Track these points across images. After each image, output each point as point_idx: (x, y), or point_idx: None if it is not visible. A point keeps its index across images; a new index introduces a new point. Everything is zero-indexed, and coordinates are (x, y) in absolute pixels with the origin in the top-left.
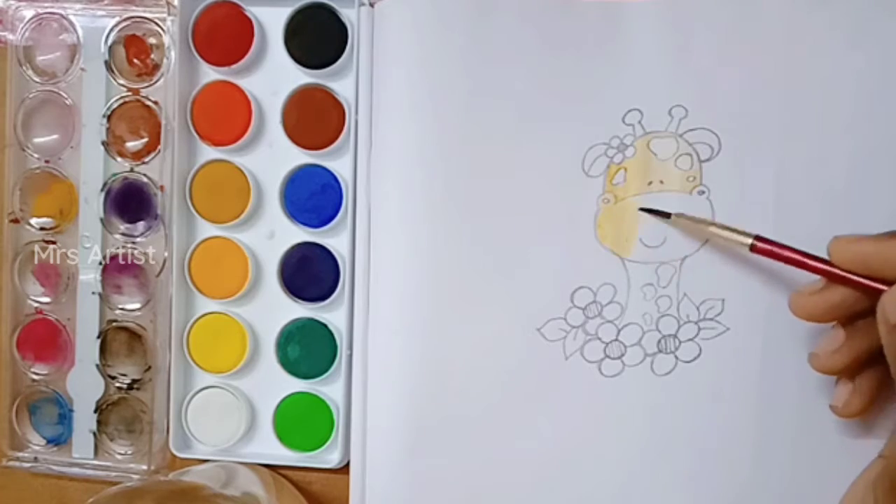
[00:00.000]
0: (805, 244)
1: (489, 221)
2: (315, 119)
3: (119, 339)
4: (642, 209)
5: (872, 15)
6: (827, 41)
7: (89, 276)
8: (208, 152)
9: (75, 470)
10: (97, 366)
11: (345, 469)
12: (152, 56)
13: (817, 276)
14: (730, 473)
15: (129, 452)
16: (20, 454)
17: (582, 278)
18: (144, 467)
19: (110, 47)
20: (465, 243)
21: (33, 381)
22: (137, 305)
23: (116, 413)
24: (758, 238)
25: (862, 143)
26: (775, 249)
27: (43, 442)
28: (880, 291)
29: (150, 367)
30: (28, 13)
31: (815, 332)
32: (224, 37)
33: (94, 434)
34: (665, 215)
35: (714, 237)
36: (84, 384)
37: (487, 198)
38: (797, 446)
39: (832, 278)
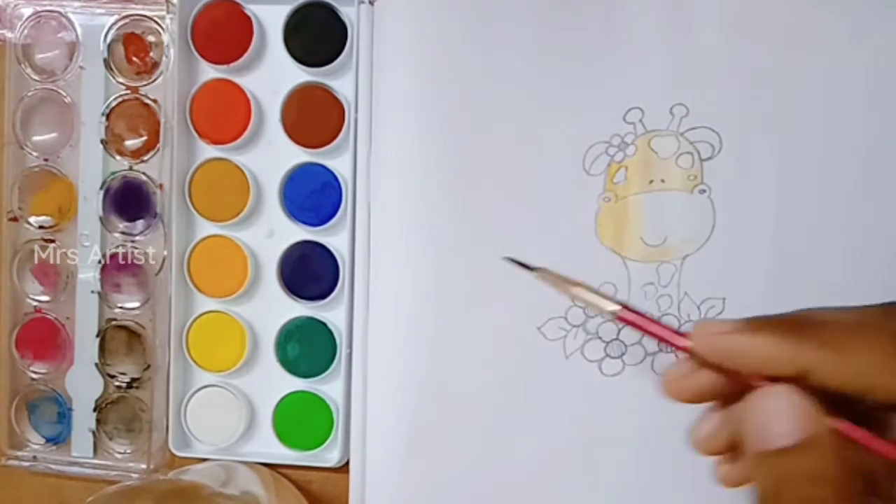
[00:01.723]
0: (806, 243)
1: (489, 220)
2: (314, 117)
3: (118, 337)
4: (506, 258)
5: (875, 11)
6: (829, 39)
7: (88, 275)
8: (207, 151)
9: (74, 469)
10: (96, 365)
11: (344, 468)
12: (151, 54)
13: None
14: None
15: (129, 451)
16: (19, 453)
17: (582, 277)
18: (144, 466)
19: (109, 45)
20: (465, 242)
21: (32, 379)
22: (137, 304)
23: (115, 412)
24: (624, 307)
25: (864, 140)
26: (639, 321)
27: (42, 441)
28: (746, 379)
29: (149, 366)
30: (27, 11)
31: None
32: (223, 35)
33: (94, 433)
34: (529, 269)
35: (577, 300)
36: (83, 383)
37: (487, 196)
38: None
39: (697, 361)
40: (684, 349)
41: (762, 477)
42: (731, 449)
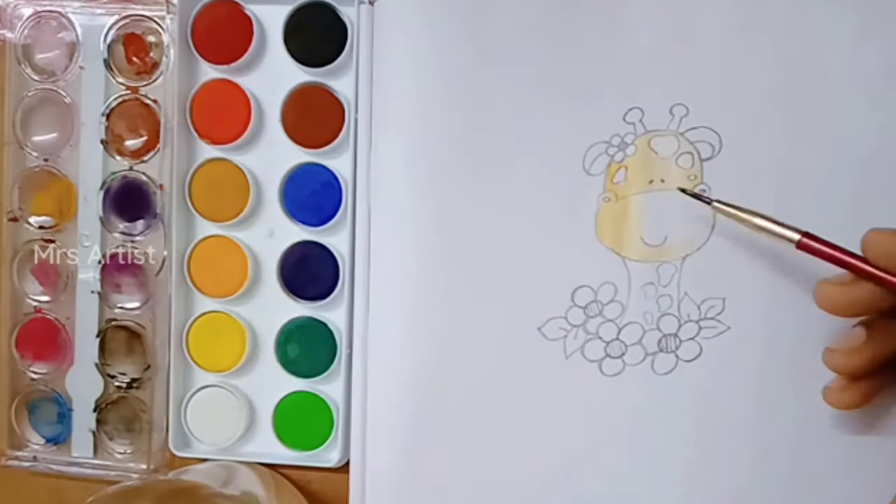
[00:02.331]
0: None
1: (489, 220)
2: (315, 117)
3: (118, 338)
4: (681, 189)
5: (880, 9)
6: (830, 38)
7: (88, 275)
8: (207, 151)
9: (74, 469)
10: (96, 365)
11: (344, 468)
12: (151, 54)
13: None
14: (730, 473)
15: (129, 451)
16: (19, 453)
17: (582, 277)
18: (144, 466)
19: (109, 45)
20: (465, 242)
21: (32, 380)
22: (137, 304)
23: (116, 412)
24: (806, 235)
25: (866, 141)
26: (823, 248)
27: (42, 441)
28: None
29: (149, 366)
30: (27, 11)
31: (816, 331)
32: (223, 35)
33: (94, 433)
34: (706, 201)
35: (759, 230)
36: (83, 383)
37: (488, 196)
38: (797, 446)
39: (863, 275)
40: (857, 268)
41: None
42: (867, 369)
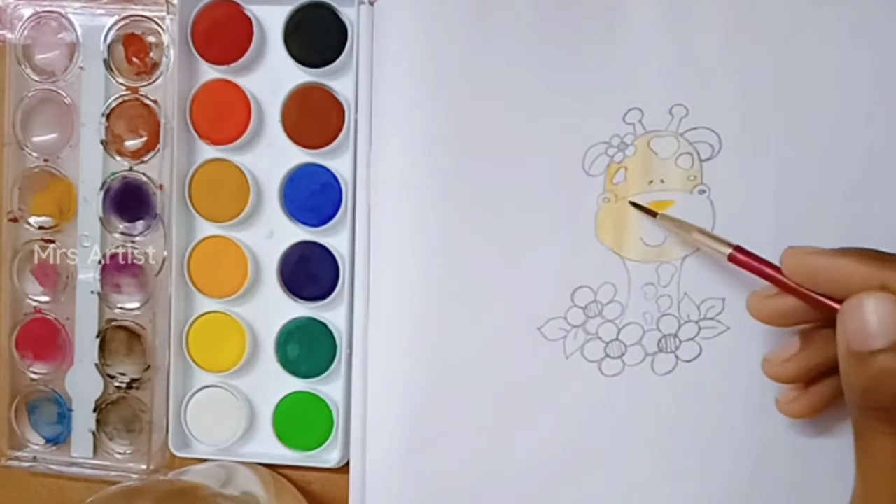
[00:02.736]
0: (805, 243)
1: (489, 220)
2: (315, 118)
3: (118, 338)
4: (632, 203)
5: (878, 11)
6: (831, 38)
7: (88, 276)
8: (207, 151)
9: (74, 469)
10: (96, 365)
11: (344, 468)
12: (151, 55)
13: None
14: (730, 472)
15: (129, 452)
16: (19, 454)
17: (582, 277)
18: (143, 467)
19: (109, 46)
20: (465, 242)
21: (32, 380)
22: (136, 305)
23: (115, 412)
24: (737, 248)
25: (865, 142)
26: (750, 262)
27: (42, 441)
28: (829, 308)
29: (149, 367)
30: (27, 11)
31: None
32: (223, 35)
33: (94, 433)
34: (651, 214)
35: (696, 243)
36: (83, 383)
37: (487, 196)
38: (797, 446)
39: (784, 289)
40: (776, 280)
41: (858, 376)
42: (803, 377)
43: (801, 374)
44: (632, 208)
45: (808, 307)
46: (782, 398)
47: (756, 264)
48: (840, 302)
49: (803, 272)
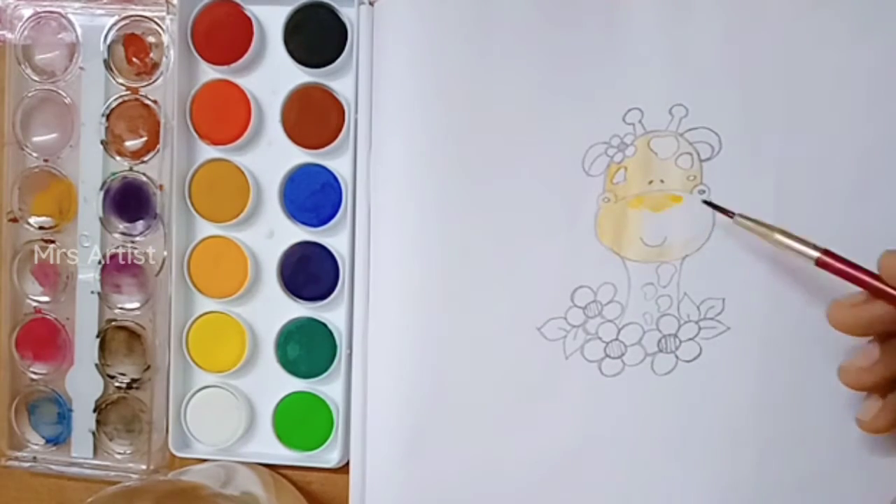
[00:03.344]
0: None
1: (489, 221)
2: (314, 118)
3: (118, 338)
4: (706, 202)
5: (877, 10)
6: (830, 38)
7: (88, 276)
8: (207, 151)
9: (74, 469)
10: (96, 365)
11: (344, 468)
12: (151, 55)
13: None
14: (730, 472)
15: (129, 452)
16: (19, 454)
17: (582, 277)
18: (143, 467)
19: (109, 46)
20: (465, 243)
21: (32, 380)
22: (136, 305)
23: (115, 412)
24: (826, 252)
25: (865, 142)
26: (841, 266)
27: (42, 441)
28: None
29: (149, 367)
30: (27, 12)
31: (815, 332)
32: (223, 35)
33: (94, 433)
34: (728, 214)
35: (777, 245)
36: (83, 384)
37: (487, 197)
38: (797, 445)
39: (880, 296)
40: (869, 284)
41: None
42: (883, 385)
43: (881, 383)
44: (631, 208)
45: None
46: (864, 416)
47: (848, 269)
48: None
49: None
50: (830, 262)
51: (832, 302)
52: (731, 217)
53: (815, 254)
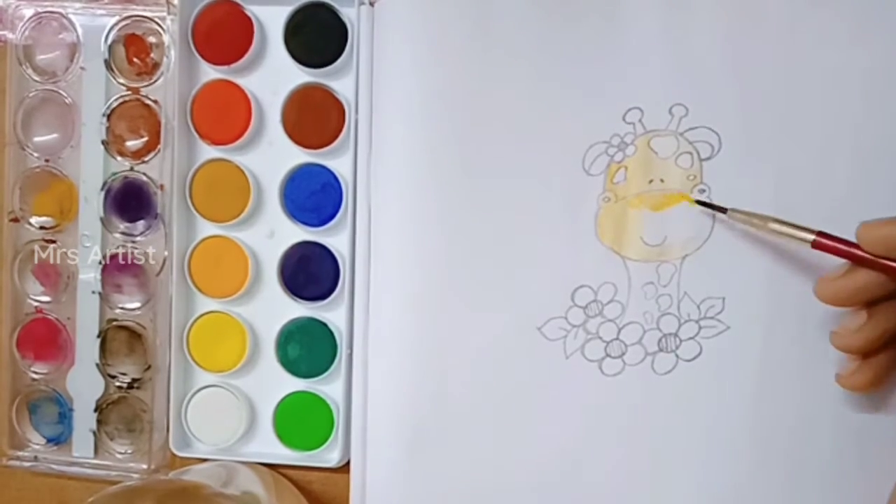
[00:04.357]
0: None
1: (489, 220)
2: (315, 118)
3: (119, 338)
4: (698, 201)
5: (876, 10)
6: (829, 38)
7: (89, 276)
8: (208, 151)
9: (75, 469)
10: (97, 365)
11: (345, 468)
12: (152, 55)
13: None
14: (730, 472)
15: (129, 451)
16: (20, 453)
17: (582, 277)
18: (144, 466)
19: (110, 46)
20: (465, 242)
21: (33, 380)
22: (137, 305)
23: (116, 412)
24: (820, 234)
25: (864, 141)
26: (838, 245)
27: (43, 441)
28: None
29: (150, 367)
30: (28, 12)
31: (815, 331)
32: (224, 36)
33: (94, 433)
34: (721, 210)
35: (772, 234)
36: (84, 383)
37: (488, 197)
38: (797, 444)
39: (868, 265)
40: (859, 256)
41: None
42: (871, 346)
43: (869, 343)
44: (631, 208)
45: (882, 281)
46: (844, 372)
47: (841, 246)
48: None
49: (883, 244)
50: (826, 242)
51: (819, 278)
52: (724, 213)
53: (811, 237)
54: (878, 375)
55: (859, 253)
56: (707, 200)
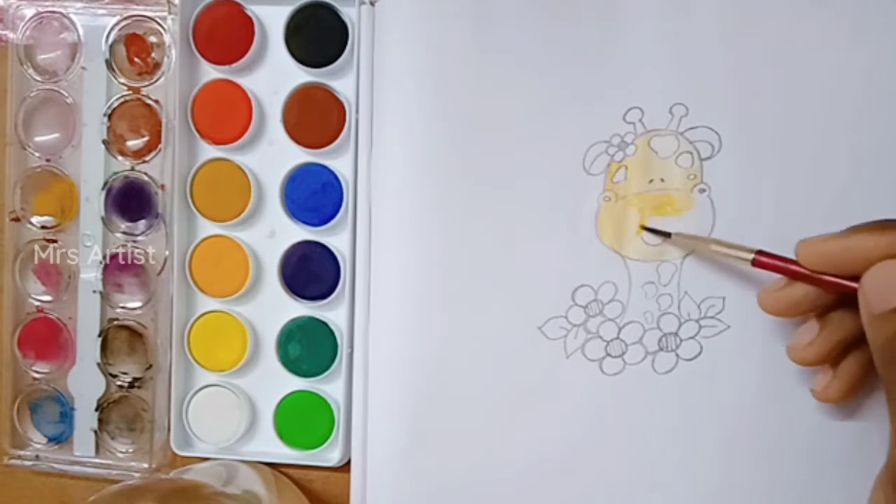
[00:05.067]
0: None
1: (490, 220)
2: (315, 118)
3: (120, 337)
4: (645, 227)
5: (876, 11)
6: (830, 38)
7: (90, 275)
8: (209, 151)
9: (76, 468)
10: (98, 364)
11: (345, 467)
12: (153, 55)
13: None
14: (730, 471)
15: (131, 451)
16: (22, 452)
17: (583, 276)
18: (145, 465)
19: (111, 46)
20: (465, 241)
21: (34, 379)
22: (138, 304)
23: (117, 411)
24: (759, 252)
25: (864, 140)
26: (775, 262)
27: (44, 440)
28: (849, 287)
29: (151, 366)
30: (29, 12)
31: None
32: (225, 35)
33: (96, 432)
34: (665, 235)
35: (714, 255)
36: (85, 382)
37: (488, 196)
38: (797, 444)
39: (807, 280)
40: (797, 272)
41: (881, 337)
42: (829, 357)
43: (825, 353)
44: (631, 207)
45: (820, 293)
46: (817, 388)
47: (779, 263)
48: (857, 280)
49: (820, 260)
50: (765, 260)
51: (761, 290)
52: (668, 237)
53: (750, 256)
54: (850, 384)
55: (795, 268)
56: (653, 227)
